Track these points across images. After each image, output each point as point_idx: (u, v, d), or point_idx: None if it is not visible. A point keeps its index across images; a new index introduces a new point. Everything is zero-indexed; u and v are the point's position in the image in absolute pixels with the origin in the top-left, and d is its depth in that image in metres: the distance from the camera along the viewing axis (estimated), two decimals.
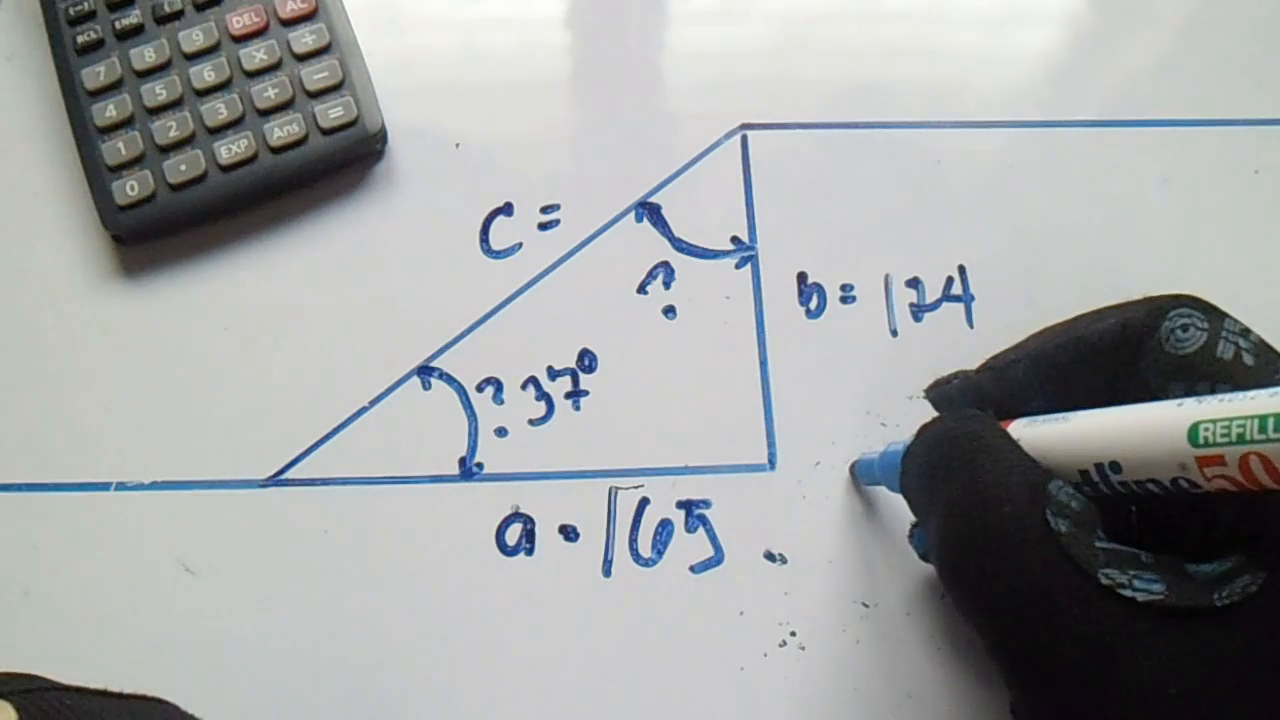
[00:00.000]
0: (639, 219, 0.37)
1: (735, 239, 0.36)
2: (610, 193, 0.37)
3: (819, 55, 0.39)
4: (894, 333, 0.35)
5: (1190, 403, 0.21)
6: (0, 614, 0.32)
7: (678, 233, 0.36)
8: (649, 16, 0.40)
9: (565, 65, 0.39)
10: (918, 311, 0.36)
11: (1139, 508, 0.24)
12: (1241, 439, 0.19)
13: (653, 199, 0.37)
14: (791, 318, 0.35)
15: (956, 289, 0.36)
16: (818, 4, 0.40)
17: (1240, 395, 0.20)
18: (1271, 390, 0.20)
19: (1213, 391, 0.22)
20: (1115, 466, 0.22)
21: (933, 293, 0.36)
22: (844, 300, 0.36)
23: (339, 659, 0.31)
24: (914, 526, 0.31)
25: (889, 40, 0.40)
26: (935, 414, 0.28)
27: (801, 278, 0.36)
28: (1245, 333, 0.22)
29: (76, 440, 0.33)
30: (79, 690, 0.23)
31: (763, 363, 0.35)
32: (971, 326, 0.35)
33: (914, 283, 0.36)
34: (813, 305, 0.36)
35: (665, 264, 0.36)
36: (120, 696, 0.24)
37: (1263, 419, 0.19)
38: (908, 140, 0.38)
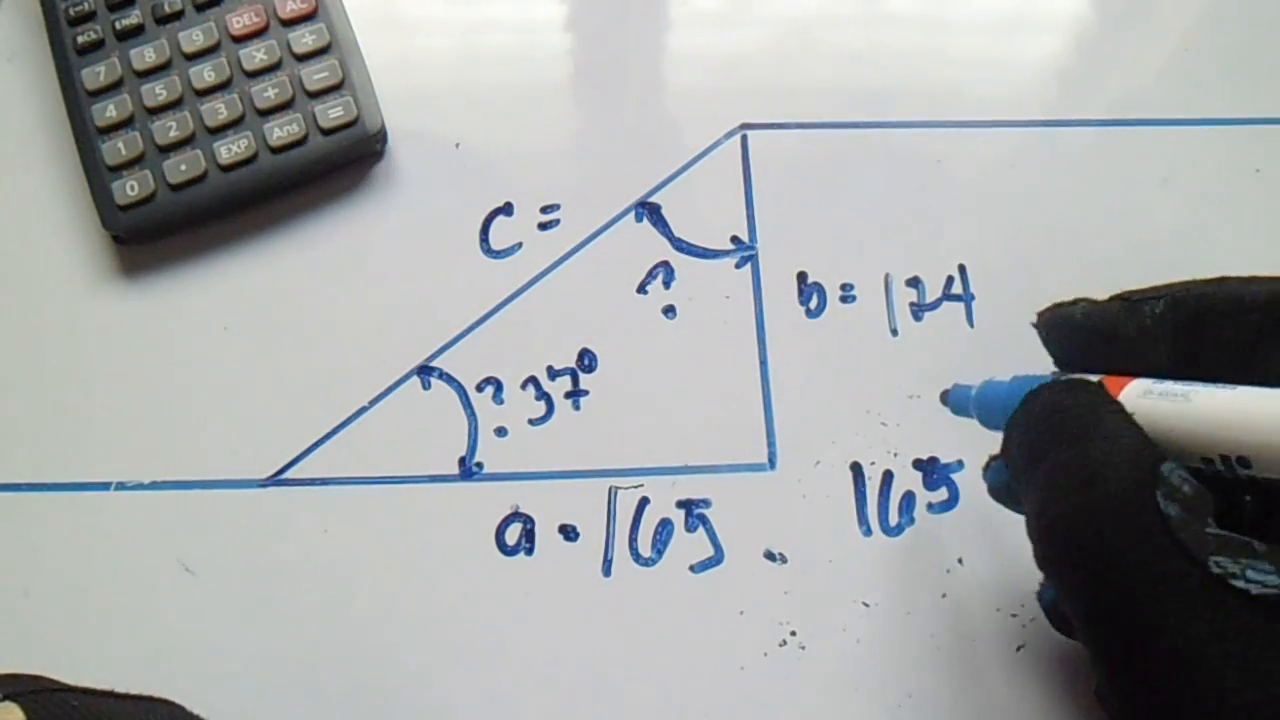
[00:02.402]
0: (639, 219, 0.37)
1: (735, 239, 0.36)
2: (610, 193, 0.37)
3: (819, 57, 0.39)
4: (894, 332, 0.35)
5: None
6: (0, 614, 0.32)
7: (678, 233, 0.36)
8: (649, 17, 0.40)
9: (565, 66, 0.39)
10: (918, 311, 0.36)
11: (1254, 494, 0.22)
12: None
13: (653, 199, 0.37)
14: (791, 318, 0.35)
15: (956, 289, 0.36)
16: (817, 6, 0.40)
17: None
18: None
19: None
20: (1244, 461, 0.20)
21: (933, 292, 0.36)
22: (844, 300, 0.36)
23: (339, 659, 0.31)
24: (992, 458, 0.28)
25: (889, 42, 0.40)
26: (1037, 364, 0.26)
27: (801, 277, 0.36)
28: None
29: (76, 440, 0.33)
30: (85, 691, 0.23)
31: (763, 363, 0.35)
32: (972, 326, 0.35)
33: (914, 282, 0.36)
34: (813, 305, 0.36)
35: (665, 264, 0.36)
36: (126, 697, 0.24)
37: None
38: (908, 140, 0.38)
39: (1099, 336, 0.25)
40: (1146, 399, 0.22)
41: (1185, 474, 0.21)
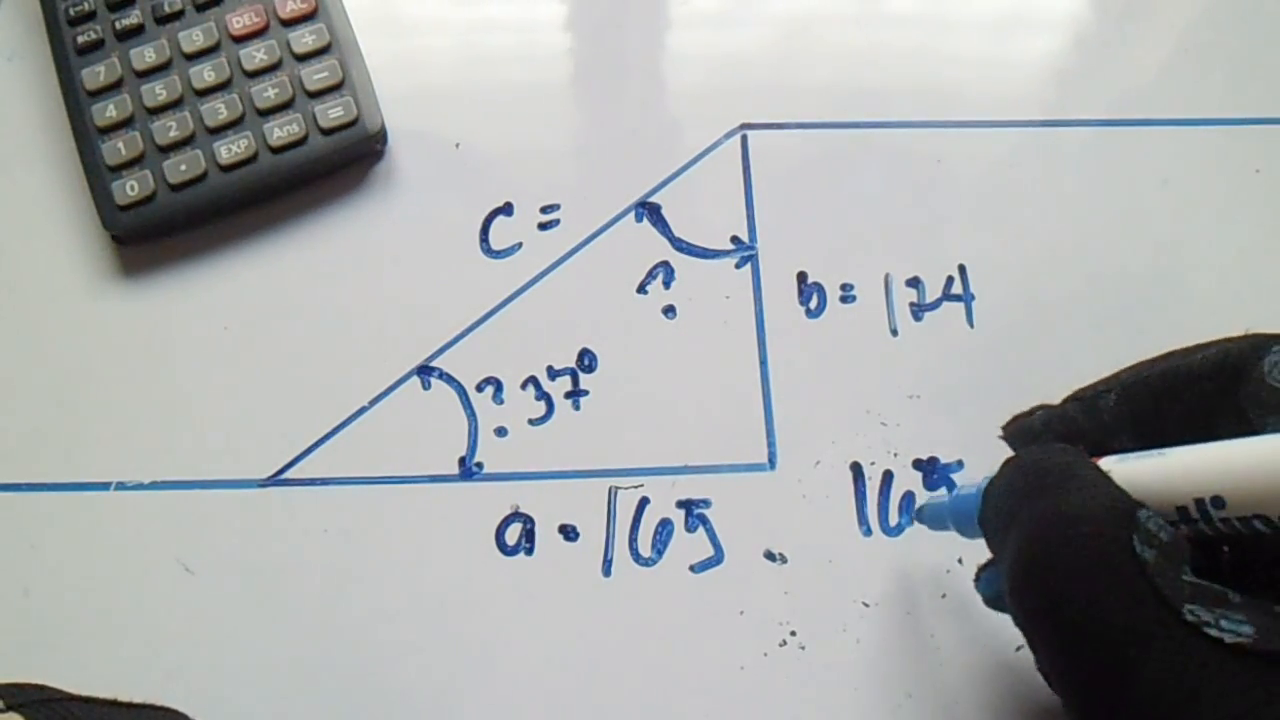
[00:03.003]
0: (639, 219, 0.37)
1: (735, 239, 0.36)
2: (610, 193, 0.37)
3: (819, 57, 0.39)
4: (894, 332, 0.35)
5: None
6: (0, 614, 0.32)
7: (678, 233, 0.36)
8: (649, 17, 0.40)
9: (565, 66, 0.39)
10: (918, 311, 0.36)
11: (1231, 546, 0.23)
12: None
13: (653, 199, 0.37)
14: (791, 318, 0.35)
15: (956, 289, 0.36)
16: (818, 6, 0.40)
17: None
18: None
19: None
20: (1218, 501, 0.20)
21: (933, 292, 0.36)
22: (844, 300, 0.36)
23: (339, 659, 0.31)
24: (981, 569, 0.29)
25: (889, 42, 0.40)
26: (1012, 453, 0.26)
27: (801, 277, 0.36)
28: None
29: (76, 440, 0.34)
30: (88, 700, 0.23)
31: (763, 363, 0.35)
32: (971, 326, 0.35)
33: (914, 282, 0.36)
34: (813, 305, 0.36)
35: (665, 264, 0.36)
36: (130, 706, 0.24)
37: None
38: (908, 140, 0.38)
39: (1062, 439, 0.25)
40: (1123, 463, 0.23)
41: (1163, 522, 0.21)
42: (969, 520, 0.26)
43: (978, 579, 0.29)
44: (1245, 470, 0.20)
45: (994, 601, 0.29)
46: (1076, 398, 0.25)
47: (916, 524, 0.31)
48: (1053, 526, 0.22)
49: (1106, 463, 0.23)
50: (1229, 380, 0.22)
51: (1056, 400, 0.26)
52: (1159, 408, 0.23)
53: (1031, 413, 0.26)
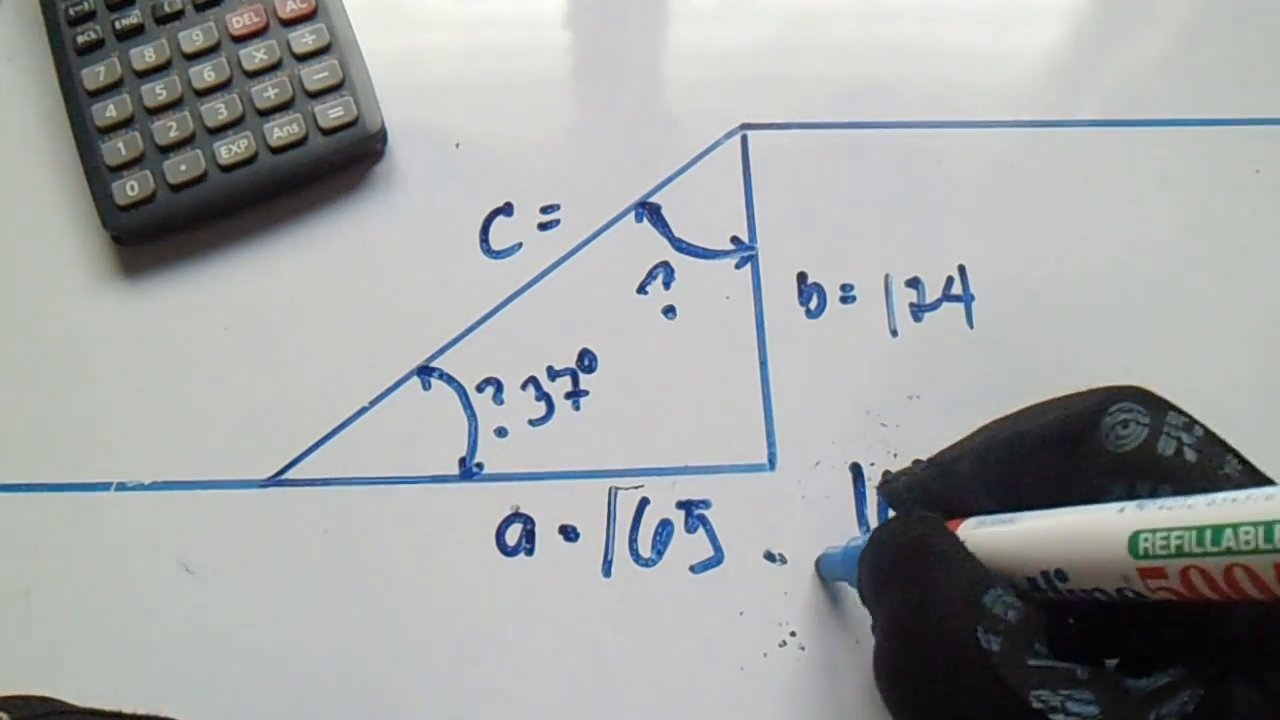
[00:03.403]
0: (639, 219, 0.37)
1: (735, 239, 0.36)
2: (610, 193, 0.37)
3: (819, 54, 0.39)
4: (894, 333, 0.35)
5: (1131, 508, 0.20)
6: (0, 614, 0.32)
7: (678, 233, 0.36)
8: (649, 16, 0.40)
9: (565, 65, 0.39)
10: (918, 311, 0.36)
11: (1079, 616, 0.23)
12: (1181, 551, 0.18)
13: (653, 199, 0.37)
14: (791, 318, 0.35)
15: (956, 289, 0.36)
16: (818, 3, 0.40)
17: (1178, 502, 0.19)
18: (1209, 498, 0.19)
19: (1154, 492, 0.21)
20: (1061, 575, 0.21)
21: (933, 293, 0.36)
22: (844, 300, 0.36)
23: (339, 659, 0.31)
24: (873, 627, 0.30)
25: (889, 39, 0.40)
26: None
27: (801, 278, 0.36)
28: (1189, 426, 0.22)
29: (76, 440, 0.33)
30: (94, 713, 0.23)
31: (763, 363, 0.35)
32: (971, 326, 0.35)
33: (914, 283, 0.36)
34: (813, 305, 0.36)
35: (665, 264, 0.36)
36: (134, 718, 0.24)
37: (1200, 531, 0.18)
38: (908, 140, 0.38)
39: (927, 503, 0.26)
40: (979, 529, 0.23)
41: (1011, 599, 0.21)
42: (855, 577, 0.27)
43: (874, 630, 0.30)
44: (1081, 546, 0.21)
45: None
46: (935, 462, 0.26)
47: (817, 574, 0.32)
48: (907, 620, 0.23)
49: (964, 528, 0.23)
50: (1071, 445, 0.22)
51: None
52: (1008, 474, 0.24)
53: (897, 477, 0.27)
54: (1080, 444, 0.22)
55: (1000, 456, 0.24)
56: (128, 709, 0.24)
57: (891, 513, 0.27)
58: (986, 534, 0.23)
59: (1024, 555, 0.22)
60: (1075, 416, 0.23)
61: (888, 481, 0.27)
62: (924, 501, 0.26)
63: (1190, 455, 0.21)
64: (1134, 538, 0.19)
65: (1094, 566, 0.20)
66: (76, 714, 0.22)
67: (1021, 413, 0.25)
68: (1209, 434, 0.22)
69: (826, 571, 0.32)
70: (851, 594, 0.32)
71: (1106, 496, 0.22)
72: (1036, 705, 0.20)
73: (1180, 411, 0.22)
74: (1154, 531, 0.19)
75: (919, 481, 0.26)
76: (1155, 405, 0.22)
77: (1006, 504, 0.23)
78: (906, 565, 0.23)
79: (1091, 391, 0.23)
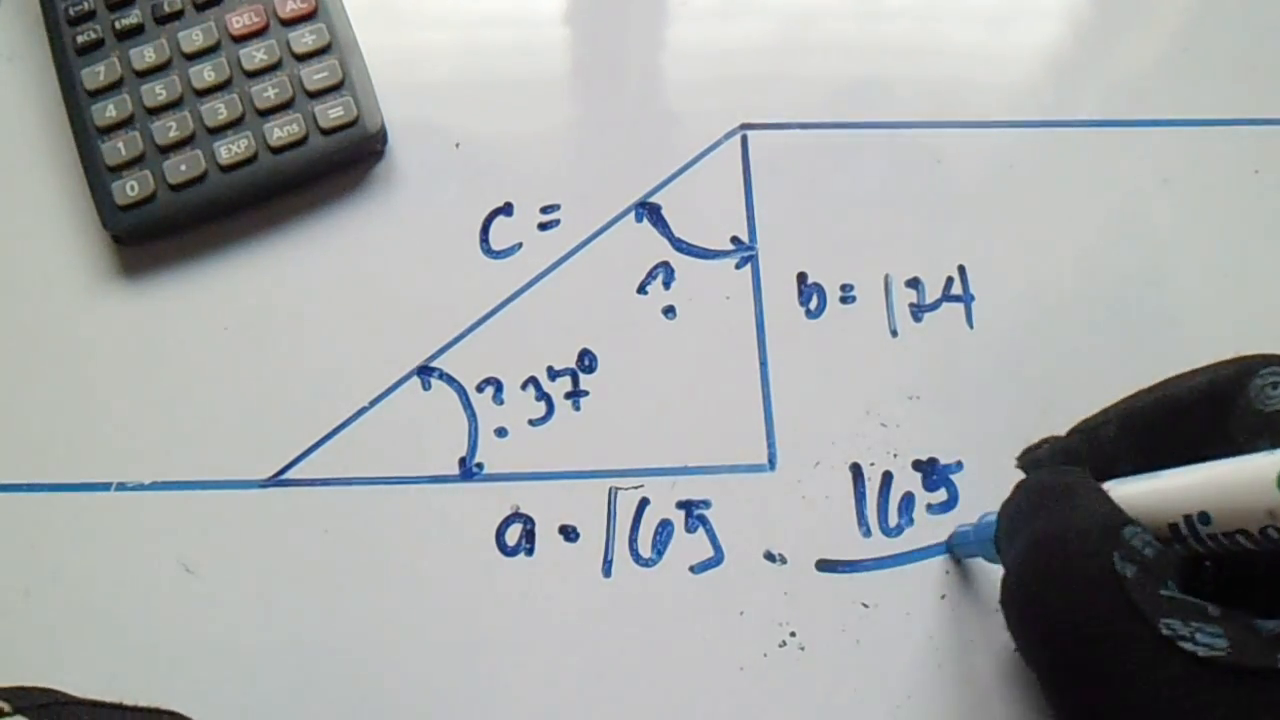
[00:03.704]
0: (639, 219, 0.37)
1: (735, 239, 0.36)
2: (610, 193, 0.37)
3: (819, 54, 0.39)
4: (894, 333, 0.35)
5: None
6: (0, 614, 0.32)
7: (678, 233, 0.36)
8: (649, 15, 0.40)
9: (565, 64, 0.39)
10: (918, 311, 0.36)
11: (1215, 564, 0.23)
12: None
13: (653, 199, 0.37)
14: (791, 318, 0.35)
15: (956, 289, 0.36)
16: (818, 2, 0.40)
17: None
18: None
19: None
20: (1204, 518, 0.21)
21: (933, 293, 0.36)
22: (844, 300, 0.36)
23: (339, 659, 0.31)
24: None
25: (889, 38, 0.40)
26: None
27: (801, 278, 0.36)
28: None
29: (76, 440, 0.34)
30: (95, 704, 0.23)
31: (763, 363, 0.35)
32: (971, 327, 0.35)
33: (914, 283, 0.36)
34: (813, 305, 0.36)
35: (665, 264, 0.36)
36: (135, 710, 0.24)
37: None
38: (908, 140, 0.38)
39: (1069, 465, 0.26)
40: (1122, 485, 0.24)
41: (1149, 538, 0.22)
42: (991, 550, 0.28)
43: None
44: (1227, 489, 0.21)
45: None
46: (1079, 429, 0.26)
47: (949, 554, 0.32)
48: (1042, 543, 0.23)
49: (1108, 485, 0.24)
50: (1218, 408, 0.23)
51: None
52: (1155, 436, 0.24)
53: (1039, 445, 0.27)
54: (1228, 404, 0.23)
55: (1147, 419, 0.25)
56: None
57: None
58: (1129, 487, 0.23)
59: (1167, 500, 0.22)
60: (1224, 379, 0.23)
61: (1029, 450, 0.28)
62: (1067, 465, 0.26)
63: None
64: None
65: (1241, 506, 0.21)
66: (77, 705, 0.22)
67: (1165, 380, 0.25)
68: None
69: (959, 548, 0.32)
70: (851, 594, 0.32)
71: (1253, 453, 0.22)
72: (1165, 632, 0.20)
73: None
74: None
75: (1061, 447, 0.26)
76: None
77: (1152, 467, 0.24)
78: (1048, 503, 0.24)
79: (1233, 359, 0.24)
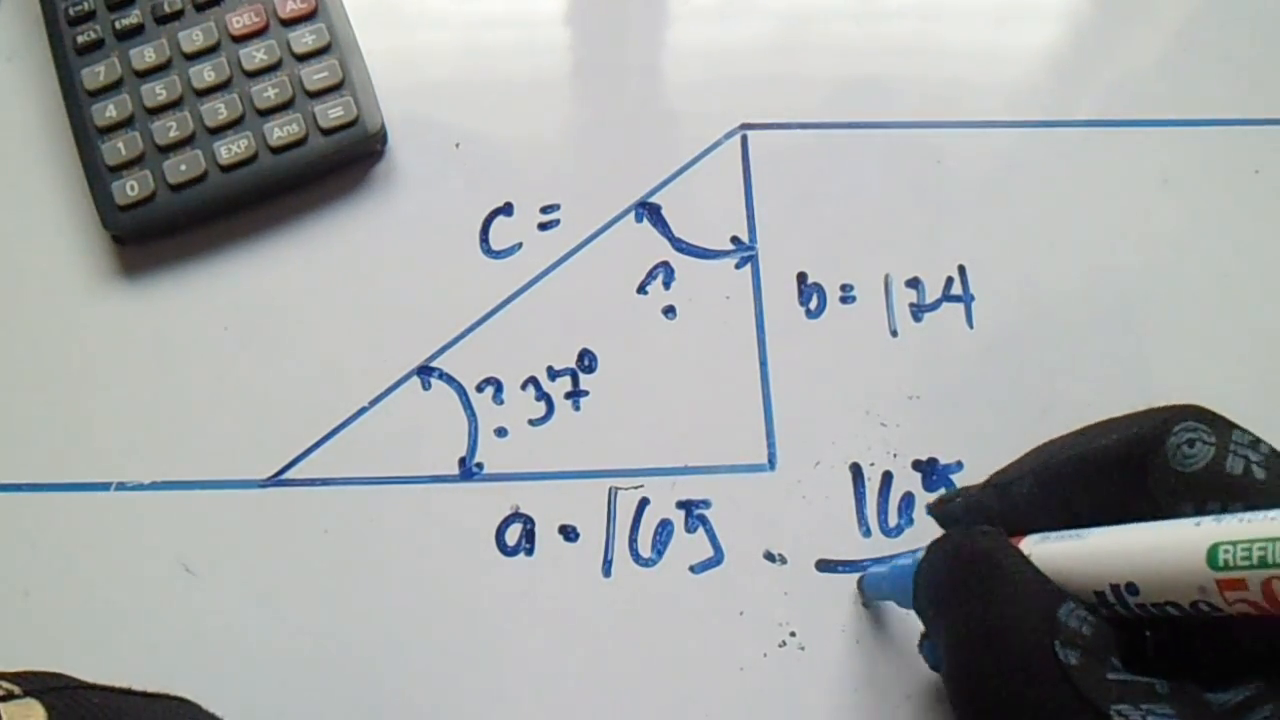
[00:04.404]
0: (639, 219, 0.37)
1: (735, 239, 0.36)
2: (610, 193, 0.37)
3: (819, 54, 0.39)
4: (894, 333, 0.35)
5: (1208, 522, 0.20)
6: (0, 614, 0.32)
7: (678, 233, 0.36)
8: (649, 16, 0.40)
9: (565, 64, 0.39)
10: (918, 311, 0.36)
11: (1153, 630, 0.23)
12: (1264, 562, 0.19)
13: (653, 199, 0.37)
14: (791, 318, 0.35)
15: (956, 289, 0.36)
16: (817, 2, 0.40)
17: (1260, 515, 0.19)
18: None
19: (1223, 510, 0.21)
20: (1132, 588, 0.21)
21: (933, 293, 0.36)
22: (844, 300, 0.36)
23: (339, 659, 0.31)
24: (924, 637, 0.29)
25: (889, 38, 0.40)
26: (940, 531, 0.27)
27: (801, 278, 0.36)
28: (1255, 444, 0.22)
29: (76, 440, 0.34)
30: (103, 689, 0.23)
31: (763, 363, 0.35)
32: (971, 327, 0.35)
33: (914, 283, 0.36)
34: (813, 305, 0.36)
35: (665, 264, 0.36)
36: (143, 695, 0.24)
37: None
38: (908, 140, 0.38)
39: (983, 524, 0.25)
40: (1043, 544, 0.23)
41: (1085, 613, 0.21)
42: (906, 595, 0.27)
43: (921, 645, 0.30)
44: (1155, 562, 0.21)
45: (939, 668, 0.29)
46: (993, 484, 0.26)
47: (860, 598, 0.32)
48: (980, 637, 0.22)
49: (1027, 543, 0.23)
50: (1135, 466, 0.22)
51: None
52: (1072, 494, 0.24)
53: (953, 497, 0.27)
54: (1146, 465, 0.22)
55: (1061, 478, 0.24)
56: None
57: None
58: (1052, 549, 0.23)
59: (1093, 568, 0.22)
60: (1139, 438, 0.22)
61: (943, 501, 0.27)
62: (981, 522, 0.25)
63: (1259, 473, 0.21)
64: (1213, 550, 0.19)
65: (1169, 579, 0.20)
66: (86, 689, 0.22)
67: (1079, 433, 0.25)
68: (1275, 451, 0.22)
69: (870, 590, 0.31)
70: (851, 594, 0.32)
71: (1175, 516, 0.21)
72: (1117, 719, 0.20)
73: (1243, 430, 0.22)
74: (1235, 543, 0.19)
75: (976, 502, 0.26)
76: (1218, 423, 0.22)
77: (1067, 525, 0.23)
78: (972, 580, 0.23)
79: (1151, 411, 0.23)
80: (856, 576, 0.32)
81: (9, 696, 0.21)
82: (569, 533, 0.33)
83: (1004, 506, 0.25)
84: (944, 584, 0.24)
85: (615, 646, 0.31)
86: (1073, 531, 0.23)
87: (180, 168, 0.35)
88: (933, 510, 0.28)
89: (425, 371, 0.35)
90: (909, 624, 0.32)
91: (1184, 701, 0.20)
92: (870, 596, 0.31)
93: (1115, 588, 0.21)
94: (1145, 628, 0.23)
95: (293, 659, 0.31)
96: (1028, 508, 0.25)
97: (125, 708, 0.23)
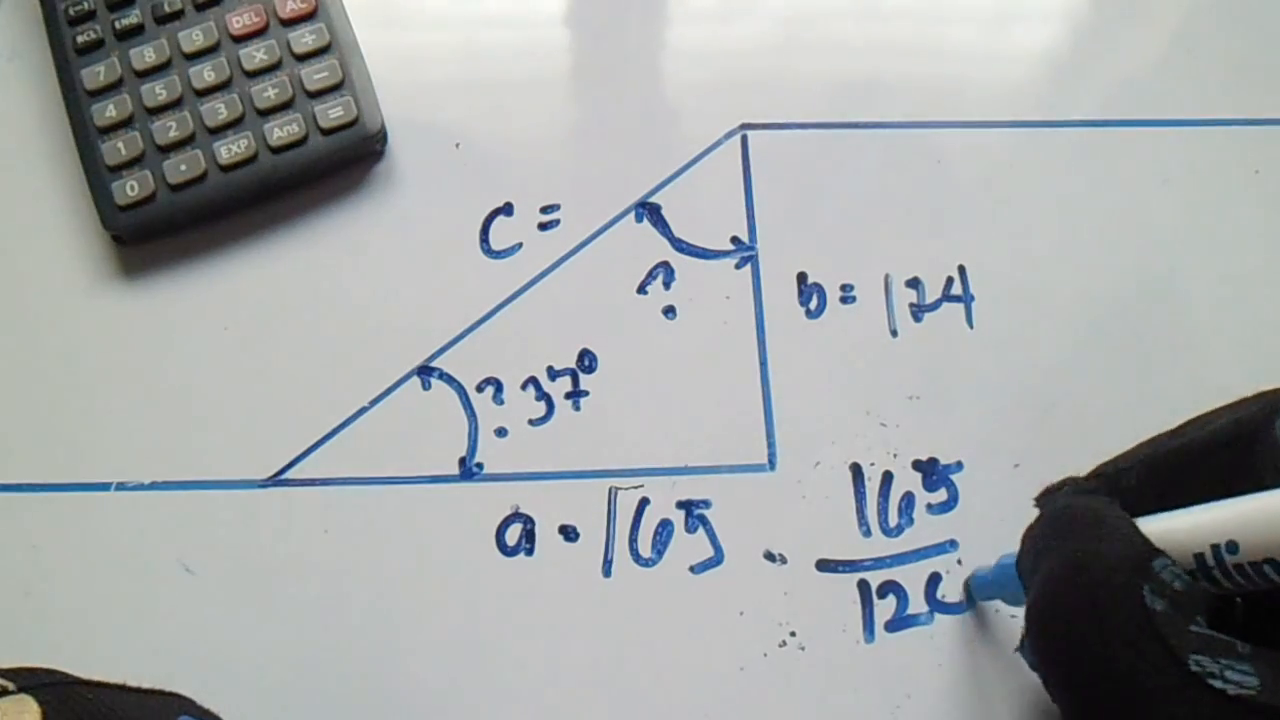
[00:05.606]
0: (639, 219, 0.37)
1: (735, 239, 0.36)
2: (610, 193, 0.37)
3: (819, 54, 0.39)
4: (894, 333, 0.35)
5: None
6: (1, 614, 0.32)
7: (678, 233, 0.36)
8: (649, 16, 0.40)
9: (565, 64, 0.39)
10: (918, 311, 0.36)
11: (1248, 604, 0.23)
12: None
13: (653, 199, 0.37)
14: (791, 318, 0.35)
15: (956, 289, 0.36)
16: (818, 3, 0.40)
17: None
18: None
19: None
20: (1232, 546, 0.21)
21: (933, 293, 0.36)
22: (844, 300, 0.36)
23: (339, 658, 0.31)
24: (1023, 639, 0.28)
25: (889, 38, 0.40)
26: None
27: (801, 278, 0.36)
28: None
29: (76, 440, 0.33)
30: (98, 684, 0.23)
31: (763, 363, 0.35)
32: (971, 327, 0.35)
33: (914, 283, 0.36)
34: (813, 305, 0.36)
35: (665, 264, 0.36)
36: (139, 691, 0.24)
37: None
38: (908, 140, 0.38)
39: None
40: (1146, 522, 0.23)
41: (1179, 571, 0.21)
42: (1014, 592, 0.27)
43: (1021, 646, 0.29)
44: (1256, 518, 0.21)
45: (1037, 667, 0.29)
46: (1100, 474, 0.26)
47: (968, 603, 0.32)
48: (1070, 571, 0.22)
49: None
50: (1243, 448, 0.23)
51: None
52: (1179, 481, 0.24)
53: (1060, 486, 0.27)
54: (1253, 443, 0.22)
55: (1169, 466, 0.24)
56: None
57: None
58: (1155, 524, 0.23)
59: (1194, 530, 0.22)
60: (1248, 419, 0.23)
61: (1048, 491, 0.27)
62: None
63: None
64: None
65: (1268, 535, 0.20)
66: (82, 684, 0.22)
67: (1189, 422, 0.25)
68: None
69: (979, 590, 0.31)
70: (851, 593, 0.32)
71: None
72: (1194, 669, 0.20)
73: None
74: None
75: (1083, 489, 0.26)
76: None
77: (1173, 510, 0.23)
78: (1075, 525, 0.23)
79: (1258, 395, 0.24)
80: (964, 578, 0.32)
81: (3, 692, 0.21)
82: (569, 533, 0.33)
83: (1110, 495, 0.25)
84: (1048, 534, 0.24)
85: (615, 646, 0.31)
86: (1176, 511, 0.23)
87: (180, 168, 0.35)
88: (1039, 501, 0.28)
89: (425, 371, 0.35)
90: (909, 623, 0.32)
91: (1264, 662, 0.20)
92: (979, 596, 0.31)
93: (1215, 548, 0.21)
94: (1236, 597, 0.23)
95: (292, 659, 0.31)
96: (1135, 498, 0.25)
97: (119, 703, 0.23)
